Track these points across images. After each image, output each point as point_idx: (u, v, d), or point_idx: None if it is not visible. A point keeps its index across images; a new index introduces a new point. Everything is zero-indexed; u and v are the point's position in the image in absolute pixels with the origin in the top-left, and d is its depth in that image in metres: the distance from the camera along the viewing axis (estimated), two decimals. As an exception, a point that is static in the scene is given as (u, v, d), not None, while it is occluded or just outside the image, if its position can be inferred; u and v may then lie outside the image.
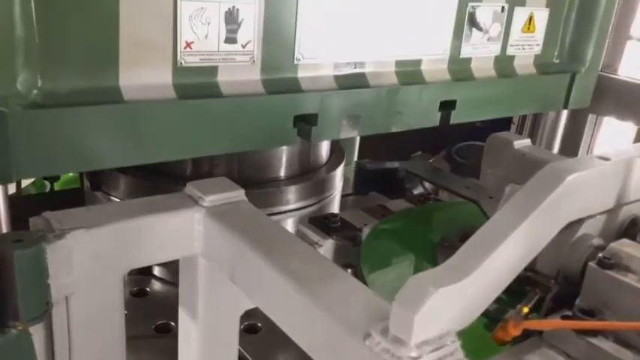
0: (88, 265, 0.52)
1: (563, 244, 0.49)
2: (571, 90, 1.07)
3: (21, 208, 1.16)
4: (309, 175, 0.94)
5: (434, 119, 0.89)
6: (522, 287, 0.48)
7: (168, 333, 0.89)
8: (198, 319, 0.62)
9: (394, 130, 0.83)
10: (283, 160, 0.93)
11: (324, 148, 1.02)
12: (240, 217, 0.58)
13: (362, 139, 1.37)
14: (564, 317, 0.46)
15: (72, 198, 1.21)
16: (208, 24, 0.68)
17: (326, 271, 0.50)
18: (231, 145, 0.72)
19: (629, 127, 2.12)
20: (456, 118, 0.91)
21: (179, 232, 0.58)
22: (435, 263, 0.66)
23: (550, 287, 0.48)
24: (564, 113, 1.17)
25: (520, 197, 0.44)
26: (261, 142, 0.74)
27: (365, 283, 0.63)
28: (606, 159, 0.48)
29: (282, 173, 0.92)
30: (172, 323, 0.90)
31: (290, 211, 0.90)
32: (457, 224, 0.76)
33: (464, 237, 0.72)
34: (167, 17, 0.65)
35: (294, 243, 0.55)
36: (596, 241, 0.50)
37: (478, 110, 0.96)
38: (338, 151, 1.07)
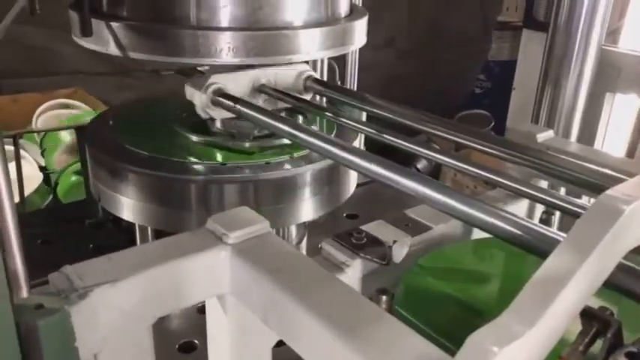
0: (115, 319, 0.50)
1: (619, 272, 0.46)
2: None
3: (29, 226, 1.17)
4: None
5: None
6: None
7: (192, 352, 0.88)
8: (229, 353, 0.60)
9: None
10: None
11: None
12: (268, 253, 0.55)
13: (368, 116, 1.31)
14: (629, 355, 0.43)
15: (80, 210, 1.20)
16: None
17: (368, 314, 0.47)
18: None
19: (633, 102, 2.09)
20: None
21: (205, 274, 0.55)
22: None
23: (608, 320, 0.45)
24: (582, 94, 1.14)
25: (577, 234, 0.41)
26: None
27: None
28: (661, 179, 0.45)
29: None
30: (196, 341, 0.89)
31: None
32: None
33: None
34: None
35: (329, 281, 0.52)
36: (655, 266, 0.48)
37: None
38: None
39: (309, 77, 0.92)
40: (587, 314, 0.45)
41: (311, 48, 0.82)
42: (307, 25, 0.83)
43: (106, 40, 0.80)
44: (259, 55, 0.79)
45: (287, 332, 0.52)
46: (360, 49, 1.26)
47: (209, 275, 0.55)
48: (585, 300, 0.42)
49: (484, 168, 0.67)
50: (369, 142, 1.39)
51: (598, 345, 0.47)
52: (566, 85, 1.13)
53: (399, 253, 0.69)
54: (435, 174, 2.34)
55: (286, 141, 0.84)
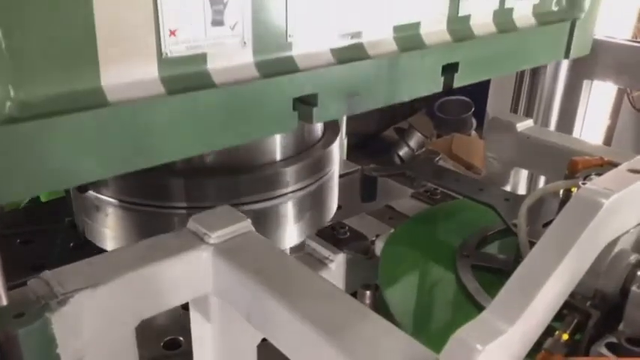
0: (97, 324, 0.49)
1: (600, 264, 0.46)
2: (572, 38, 1.01)
3: (8, 225, 1.14)
4: (307, 154, 0.89)
5: (437, 84, 0.85)
6: (559, 310, 0.46)
7: (177, 348, 0.87)
8: (214, 352, 0.60)
9: (398, 100, 0.79)
10: (278, 142, 0.87)
11: (319, 125, 0.97)
12: (250, 252, 0.55)
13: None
14: (610, 346, 0.44)
15: (59, 208, 1.18)
16: (192, 7, 0.62)
17: (353, 312, 0.47)
18: (229, 138, 0.65)
19: (610, 89, 2.10)
20: (460, 80, 0.86)
21: (188, 275, 0.55)
22: (456, 272, 0.65)
23: (589, 312, 0.46)
24: (560, 81, 1.14)
25: (557, 229, 0.41)
26: (261, 130, 0.68)
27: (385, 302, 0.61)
28: (638, 171, 0.45)
29: (278, 156, 0.87)
30: (181, 338, 0.88)
31: (290, 192, 0.86)
32: (472, 226, 0.74)
33: (481, 243, 0.70)
34: (146, 4, 0.58)
35: (312, 280, 0.52)
36: (634, 258, 0.48)
37: (481, 70, 0.90)
38: (332, 125, 1.02)
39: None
40: (568, 306, 0.46)
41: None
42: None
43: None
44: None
45: (271, 331, 0.52)
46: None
47: (191, 276, 0.55)
48: (567, 294, 0.42)
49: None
50: (352, 131, 1.38)
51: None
52: (545, 72, 1.14)
53: (382, 246, 0.69)
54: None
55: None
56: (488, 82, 2.82)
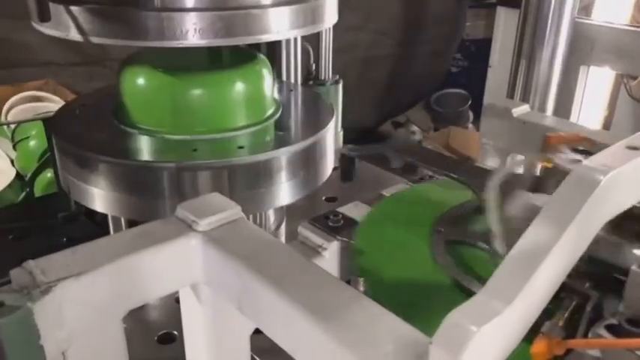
0: (82, 314, 0.48)
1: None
2: None
3: (1, 221, 1.13)
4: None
5: None
6: (556, 293, 0.44)
7: (171, 343, 0.86)
8: (206, 343, 0.58)
9: None
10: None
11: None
12: (241, 239, 0.53)
13: (345, 98, 1.30)
14: (610, 328, 0.43)
15: (52, 204, 1.17)
16: None
17: (345, 298, 0.46)
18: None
19: (607, 77, 2.09)
20: None
21: (176, 264, 0.53)
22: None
23: (587, 294, 0.45)
24: (557, 68, 1.13)
25: (554, 206, 0.40)
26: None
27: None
28: (637, 148, 0.44)
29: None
30: (175, 332, 0.87)
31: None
32: (447, 204, 0.74)
33: (458, 219, 0.70)
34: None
35: (304, 266, 0.50)
36: (633, 237, 0.47)
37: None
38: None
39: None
40: (566, 288, 0.44)
41: (281, 27, 0.80)
42: (276, 4, 0.80)
43: (66, 25, 0.76)
44: (227, 35, 0.76)
45: (263, 320, 0.51)
46: (335, 31, 1.24)
47: (180, 265, 0.53)
48: (565, 273, 0.41)
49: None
50: (349, 125, 1.37)
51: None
52: (540, 59, 1.12)
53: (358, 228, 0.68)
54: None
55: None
56: (485, 75, 2.82)
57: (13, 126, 1.85)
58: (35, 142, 1.76)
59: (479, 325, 0.35)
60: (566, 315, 0.44)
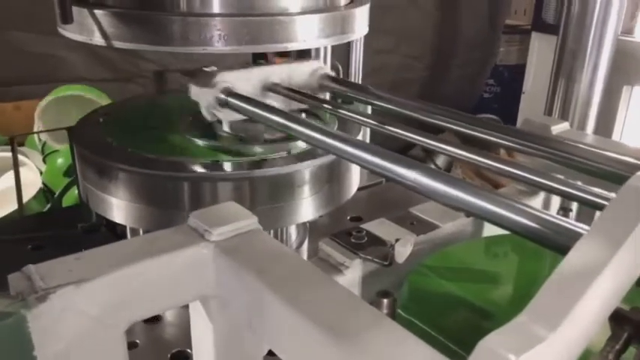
0: (81, 325, 0.44)
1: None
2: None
3: (19, 231, 1.12)
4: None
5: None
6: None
7: (186, 362, 0.83)
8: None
9: None
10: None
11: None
12: (255, 251, 0.49)
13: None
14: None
15: (73, 215, 1.15)
16: None
17: (367, 319, 0.41)
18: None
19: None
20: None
21: (186, 274, 0.50)
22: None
23: (642, 323, 0.39)
24: (598, 87, 1.08)
25: (607, 220, 0.35)
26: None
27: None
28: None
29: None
30: (189, 350, 0.84)
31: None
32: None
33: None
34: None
35: (323, 283, 0.46)
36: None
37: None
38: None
39: (324, 75, 0.86)
40: (617, 316, 0.39)
41: (308, 36, 0.77)
42: (304, 12, 0.78)
43: (89, 29, 0.75)
44: (252, 42, 0.73)
45: (275, 340, 0.46)
46: (366, 54, 1.21)
47: (189, 276, 0.50)
48: (618, 298, 0.36)
49: (497, 159, 0.62)
50: (384, 138, 1.34)
51: (631, 353, 0.40)
52: (580, 79, 1.07)
53: (402, 252, 0.62)
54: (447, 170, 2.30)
55: (302, 144, 0.78)
56: (517, 101, 2.76)
57: (43, 139, 1.86)
58: (63, 157, 1.76)
59: (518, 354, 0.30)
60: (616, 347, 0.39)
